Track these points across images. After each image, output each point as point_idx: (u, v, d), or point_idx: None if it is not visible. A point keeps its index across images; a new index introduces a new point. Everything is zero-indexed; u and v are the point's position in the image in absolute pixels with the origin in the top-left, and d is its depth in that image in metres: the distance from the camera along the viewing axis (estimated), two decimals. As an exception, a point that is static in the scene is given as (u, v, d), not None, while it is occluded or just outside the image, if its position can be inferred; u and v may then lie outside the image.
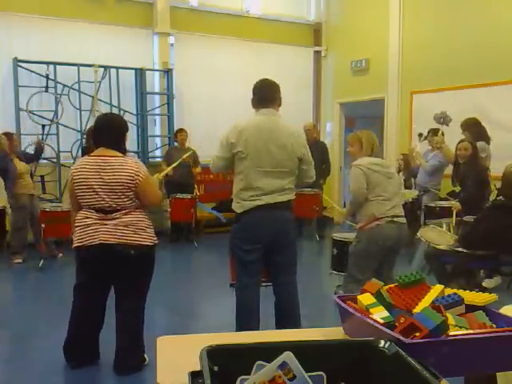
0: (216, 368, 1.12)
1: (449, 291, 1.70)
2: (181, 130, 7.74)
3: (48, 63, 7.21)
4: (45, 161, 7.27)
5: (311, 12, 9.67)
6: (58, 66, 7.27)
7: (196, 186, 7.79)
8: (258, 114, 3.44)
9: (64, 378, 3.39)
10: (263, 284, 3.62)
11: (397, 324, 1.46)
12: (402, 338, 1.35)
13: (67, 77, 7.38)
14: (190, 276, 6.22)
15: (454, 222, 5.18)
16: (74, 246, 3.22)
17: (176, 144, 7.80)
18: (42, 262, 6.09)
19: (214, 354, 1.14)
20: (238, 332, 3.27)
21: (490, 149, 6.04)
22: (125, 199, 3.15)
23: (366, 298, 1.64)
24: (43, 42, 7.38)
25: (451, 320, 1.50)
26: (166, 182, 7.72)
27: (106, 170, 3.13)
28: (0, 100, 7.22)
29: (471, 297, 1.69)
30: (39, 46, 7.34)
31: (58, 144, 7.39)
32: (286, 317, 3.54)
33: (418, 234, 4.91)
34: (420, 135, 6.91)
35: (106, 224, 3.13)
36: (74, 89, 7.42)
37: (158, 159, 8.21)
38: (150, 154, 8.17)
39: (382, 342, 1.25)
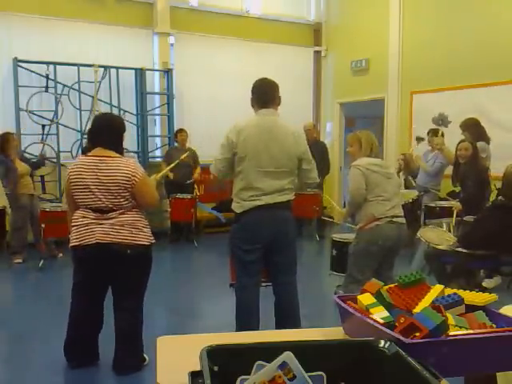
0: (216, 368, 1.12)
1: (449, 291, 1.70)
2: (181, 130, 7.74)
3: (48, 63, 7.21)
4: (45, 161, 7.26)
5: (311, 12, 9.68)
6: (58, 66, 7.27)
7: (196, 186, 7.79)
8: (258, 114, 3.44)
9: (64, 378, 3.39)
10: (263, 284, 3.62)
11: (397, 324, 1.46)
12: (402, 338, 1.35)
13: (67, 77, 7.38)
14: (190, 276, 6.22)
15: (453, 221, 5.18)
16: (71, 245, 3.23)
17: (176, 144, 7.80)
18: (41, 261, 6.09)
19: (214, 354, 1.14)
20: (237, 332, 3.27)
21: (490, 149, 6.04)
22: (121, 199, 3.15)
23: (365, 298, 1.64)
24: (43, 42, 7.38)
25: (451, 320, 1.50)
26: (166, 182, 7.73)
27: (103, 170, 3.13)
28: (0, 100, 7.22)
29: (471, 297, 1.69)
30: (39, 46, 7.35)
31: (58, 144, 7.39)
32: (286, 317, 3.54)
33: (417, 234, 4.91)
34: (418, 139, 6.93)
35: (102, 224, 3.14)
36: (73, 89, 7.42)
37: (158, 159, 8.21)
38: (149, 154, 8.17)
39: (382, 342, 1.25)
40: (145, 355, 3.39)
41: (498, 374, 1.73)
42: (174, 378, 1.29)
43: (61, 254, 6.48)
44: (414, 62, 7.96)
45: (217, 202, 8.06)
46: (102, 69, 7.57)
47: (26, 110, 7.12)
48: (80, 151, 7.08)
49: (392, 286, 1.71)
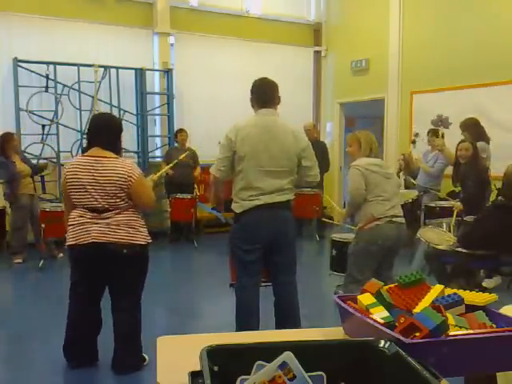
0: (216, 368, 1.12)
1: (449, 291, 1.70)
2: (181, 130, 7.75)
3: (48, 63, 7.21)
4: (45, 161, 7.27)
5: (311, 12, 9.68)
6: (58, 66, 7.27)
7: (196, 186, 7.79)
8: (257, 114, 3.44)
9: (64, 377, 3.39)
10: (263, 284, 3.62)
11: (397, 324, 1.46)
12: (402, 338, 1.35)
13: (67, 77, 7.38)
14: (190, 276, 6.22)
15: (453, 221, 5.18)
16: (67, 244, 3.24)
17: (176, 144, 7.80)
18: (41, 261, 6.09)
19: (214, 354, 1.14)
20: (237, 332, 3.27)
21: (490, 149, 6.04)
22: (117, 200, 3.15)
23: (365, 298, 1.64)
24: (43, 42, 7.38)
25: (451, 320, 1.50)
26: (166, 182, 7.74)
27: (99, 170, 3.13)
28: (0, 100, 7.22)
29: (471, 297, 1.69)
30: (39, 46, 7.35)
31: (58, 144, 7.39)
32: (286, 317, 3.54)
33: (417, 234, 4.91)
34: (413, 142, 6.93)
35: (98, 223, 3.14)
36: (74, 89, 7.42)
37: (158, 159, 8.21)
38: (149, 154, 8.18)
39: (382, 342, 1.25)
40: (145, 355, 3.40)
41: (497, 374, 1.74)
42: (174, 377, 1.29)
43: (61, 254, 6.48)
44: (414, 61, 7.96)
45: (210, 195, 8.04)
46: (102, 69, 7.57)
47: (26, 110, 7.12)
48: (80, 151, 7.09)
49: (392, 285, 1.71)
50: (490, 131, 6.19)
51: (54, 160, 7.39)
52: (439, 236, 4.82)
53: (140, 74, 7.89)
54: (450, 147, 6.18)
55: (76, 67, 7.35)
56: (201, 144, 7.92)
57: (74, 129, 7.47)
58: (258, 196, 3.35)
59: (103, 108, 7.45)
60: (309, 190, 6.94)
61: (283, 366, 1.07)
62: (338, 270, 4.78)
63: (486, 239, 4.31)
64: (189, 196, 7.43)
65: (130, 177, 3.14)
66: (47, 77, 7.24)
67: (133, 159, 7.99)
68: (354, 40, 8.98)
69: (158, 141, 8.42)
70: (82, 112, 7.46)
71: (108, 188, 3.12)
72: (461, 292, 1.70)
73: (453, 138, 6.22)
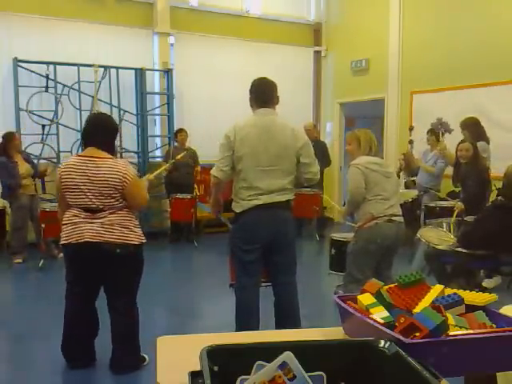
0: (216, 368, 1.12)
1: (449, 291, 1.70)
2: (181, 130, 7.75)
3: (48, 63, 7.21)
4: (45, 161, 7.27)
5: (311, 12, 9.67)
6: (57, 66, 7.27)
7: (196, 186, 7.79)
8: (256, 114, 3.44)
9: (64, 377, 3.39)
10: (263, 284, 3.62)
11: (397, 324, 1.46)
12: (402, 338, 1.35)
13: (67, 77, 7.38)
14: (190, 276, 6.22)
15: (453, 221, 5.18)
16: (61, 242, 3.25)
17: (176, 144, 7.80)
18: (41, 261, 6.09)
19: (214, 354, 1.14)
20: (237, 332, 3.27)
21: (490, 149, 6.04)
22: (112, 200, 3.15)
23: (365, 298, 1.64)
24: (43, 42, 7.38)
25: (451, 320, 1.50)
26: (166, 182, 7.74)
27: (93, 171, 3.14)
28: (0, 100, 7.22)
29: (471, 297, 1.69)
30: (39, 46, 7.35)
31: (58, 144, 7.39)
32: (286, 317, 3.54)
33: (417, 234, 4.91)
34: (410, 141, 6.93)
35: (92, 223, 3.15)
36: (74, 89, 7.42)
37: (158, 159, 8.21)
38: (149, 154, 8.18)
39: (382, 342, 1.25)
40: (145, 355, 3.40)
41: (497, 374, 1.74)
42: (174, 378, 1.29)
43: (61, 254, 6.40)
44: (414, 61, 7.95)
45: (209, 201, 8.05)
46: (102, 69, 7.57)
47: (26, 110, 7.12)
48: (80, 151, 7.08)
49: (392, 286, 1.71)
50: (490, 131, 6.19)
51: (54, 160, 7.38)
52: (439, 236, 4.82)
53: (140, 74, 7.89)
54: (450, 148, 6.19)
55: (76, 67, 7.35)
56: (201, 144, 7.92)
57: (73, 129, 7.47)
58: (257, 196, 3.35)
59: (103, 108, 7.45)
60: (309, 189, 6.94)
61: (283, 365, 1.07)
62: (337, 270, 4.78)
63: (486, 239, 4.31)
64: (189, 196, 7.43)
65: (125, 177, 3.14)
66: (47, 77, 7.24)
67: (133, 159, 8.00)
68: (354, 40, 8.98)
69: (158, 141, 8.42)
70: (82, 112, 7.45)
71: (102, 188, 3.12)
72: (461, 292, 1.70)
73: (453, 140, 6.20)
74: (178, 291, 5.39)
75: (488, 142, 6.03)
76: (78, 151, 7.35)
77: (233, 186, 3.49)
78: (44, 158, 7.24)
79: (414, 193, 6.59)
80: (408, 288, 1.67)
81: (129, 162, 7.58)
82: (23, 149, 6.96)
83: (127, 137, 7.91)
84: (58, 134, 7.36)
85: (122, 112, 7.74)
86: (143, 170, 7.55)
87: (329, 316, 4.39)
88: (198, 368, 1.10)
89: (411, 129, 6.87)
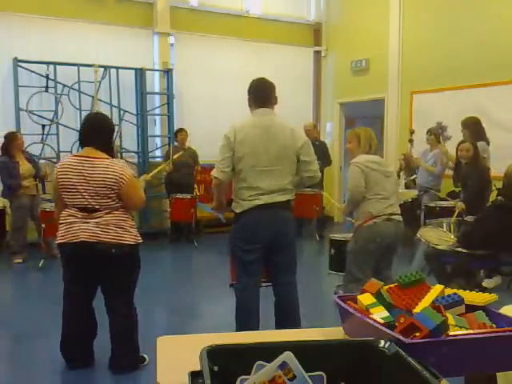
0: (216, 368, 1.12)
1: (449, 291, 1.70)
2: (181, 130, 7.75)
3: (48, 63, 7.21)
4: (45, 161, 7.27)
5: (311, 12, 9.68)
6: (58, 66, 7.27)
7: (196, 186, 7.79)
8: (255, 114, 3.44)
9: (63, 377, 3.39)
10: (263, 284, 3.62)
11: (397, 324, 1.46)
12: (402, 338, 1.35)
13: (67, 77, 7.38)
14: (190, 276, 6.22)
15: (453, 221, 5.18)
16: (57, 242, 3.26)
17: (176, 144, 7.80)
18: (42, 261, 6.09)
19: (214, 354, 1.14)
20: (237, 332, 3.27)
21: (489, 149, 6.05)
22: (108, 200, 3.16)
23: (365, 298, 1.64)
24: (43, 42, 7.38)
25: (451, 320, 1.50)
26: (166, 182, 7.74)
27: (90, 171, 3.14)
28: (0, 100, 7.22)
29: (471, 297, 1.69)
30: (39, 46, 7.35)
31: (58, 144, 7.39)
32: (286, 317, 3.54)
33: (417, 234, 4.91)
34: (410, 140, 6.94)
35: (88, 222, 3.15)
36: (74, 89, 7.42)
37: (158, 159, 8.21)
38: (149, 154, 8.18)
39: (382, 342, 1.25)
40: (145, 355, 3.40)
41: (497, 374, 1.74)
42: (174, 377, 1.29)
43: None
44: (414, 61, 7.95)
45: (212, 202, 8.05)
46: (102, 69, 7.57)
47: (26, 110, 7.12)
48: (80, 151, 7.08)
49: (392, 286, 1.71)
50: (490, 131, 6.19)
51: (54, 160, 7.38)
52: (439, 236, 4.82)
53: (140, 73, 7.89)
54: (450, 149, 6.21)
55: (76, 67, 7.35)
56: (201, 144, 7.92)
57: (73, 129, 7.45)
58: (258, 196, 3.35)
59: (103, 108, 7.44)
60: (309, 189, 6.94)
61: (283, 366, 1.07)
62: (336, 270, 4.78)
63: (486, 239, 4.31)
64: (189, 196, 7.43)
65: (121, 178, 3.14)
66: (47, 77, 7.24)
67: (132, 159, 8.00)
68: (354, 40, 8.98)
69: (158, 141, 8.42)
70: (82, 112, 7.44)
71: (98, 188, 3.12)
72: (461, 292, 1.70)
73: (454, 139, 6.21)
74: (177, 291, 5.39)
75: (488, 143, 6.04)
76: (78, 151, 7.33)
77: (232, 187, 3.49)
78: (44, 158, 7.24)
79: (414, 193, 6.60)
80: (408, 288, 1.67)
81: (129, 162, 7.70)
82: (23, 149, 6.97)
83: (127, 137, 7.91)
84: (58, 134, 7.37)
85: (122, 112, 7.74)
86: (143, 170, 7.55)
87: (329, 316, 4.39)
88: (198, 368, 1.10)
89: (412, 132, 6.87)
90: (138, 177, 3.95)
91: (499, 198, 4.50)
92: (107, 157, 3.23)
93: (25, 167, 6.24)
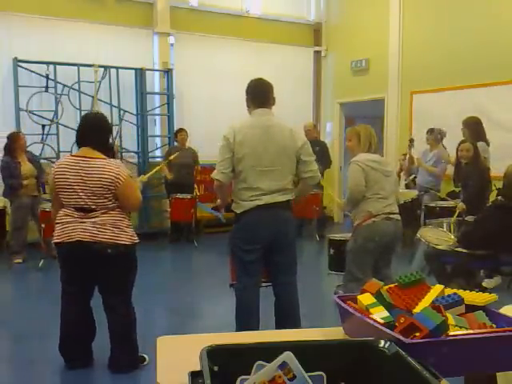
0: (216, 368, 1.12)
1: (449, 291, 1.70)
2: (181, 130, 7.75)
3: (48, 63, 7.21)
4: (45, 161, 7.27)
5: (311, 12, 9.68)
6: (58, 66, 7.27)
7: (196, 186, 7.80)
8: (254, 115, 3.44)
9: (63, 377, 3.39)
10: (263, 284, 3.62)
11: (397, 324, 1.46)
12: (402, 338, 1.35)
13: (67, 77, 7.38)
14: (190, 276, 6.22)
15: (453, 221, 5.18)
16: (53, 241, 3.26)
17: (176, 144, 7.81)
18: (41, 261, 6.09)
19: (214, 354, 1.14)
20: (238, 332, 3.26)
21: (489, 150, 6.04)
22: (105, 200, 3.16)
23: (365, 298, 1.64)
24: (43, 42, 7.38)
25: (451, 320, 1.50)
26: (166, 182, 7.74)
27: (86, 171, 3.14)
28: (0, 100, 7.22)
29: (471, 297, 1.69)
30: (39, 46, 7.35)
31: (58, 144, 7.39)
32: (286, 317, 3.54)
33: (417, 234, 4.91)
34: (411, 140, 6.94)
35: (84, 222, 3.15)
36: (74, 89, 7.42)
37: (158, 159, 8.22)
38: (149, 154, 8.18)
39: (382, 342, 1.25)
40: (145, 355, 3.40)
41: (498, 374, 1.74)
42: (174, 377, 1.29)
43: (60, 254, 6.46)
44: (413, 61, 7.96)
45: (217, 202, 8.05)
46: (102, 69, 7.57)
47: (26, 110, 7.12)
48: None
49: (392, 286, 1.71)
50: (490, 131, 6.19)
51: (54, 160, 7.37)
52: (439, 236, 4.82)
53: (140, 73, 7.90)
54: (450, 149, 6.21)
55: (76, 67, 7.35)
56: (201, 144, 7.92)
57: (73, 129, 7.39)
58: (258, 196, 3.34)
59: (103, 108, 7.44)
60: (309, 190, 6.93)
61: (283, 366, 1.07)
62: (336, 270, 4.78)
63: (486, 239, 4.31)
64: (189, 196, 7.43)
65: (118, 178, 3.14)
66: (47, 77, 7.24)
67: (132, 159, 8.00)
68: (354, 40, 8.98)
69: (158, 141, 8.42)
70: (82, 112, 7.43)
71: (95, 188, 3.12)
72: (461, 292, 1.70)
73: (454, 140, 6.20)
74: (178, 291, 5.39)
75: (488, 144, 6.03)
76: (77, 151, 7.34)
77: (232, 187, 3.49)
78: (44, 158, 7.24)
79: (414, 193, 6.59)
80: (408, 288, 1.67)
81: (129, 162, 7.70)
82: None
83: (127, 137, 7.91)
84: (58, 134, 7.37)
85: (122, 112, 7.74)
86: (143, 170, 7.56)
87: (329, 316, 4.39)
88: (198, 368, 1.10)
89: (411, 140, 6.87)
90: (137, 177, 3.95)
91: (499, 198, 4.50)
92: (104, 157, 3.23)
93: (26, 167, 6.24)
